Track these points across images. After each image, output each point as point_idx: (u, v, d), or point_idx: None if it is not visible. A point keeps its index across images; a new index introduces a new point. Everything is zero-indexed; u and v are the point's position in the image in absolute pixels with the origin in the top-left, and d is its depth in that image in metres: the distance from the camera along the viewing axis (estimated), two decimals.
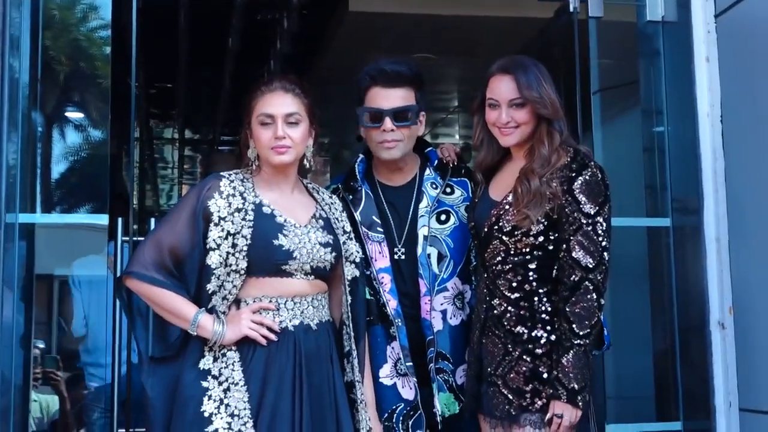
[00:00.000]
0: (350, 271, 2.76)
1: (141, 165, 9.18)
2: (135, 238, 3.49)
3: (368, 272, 2.90)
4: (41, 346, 3.46)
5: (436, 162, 3.07)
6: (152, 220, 3.74)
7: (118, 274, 3.01)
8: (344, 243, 2.76)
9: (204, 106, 8.48)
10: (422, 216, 2.97)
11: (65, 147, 3.79)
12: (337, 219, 2.79)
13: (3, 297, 3.12)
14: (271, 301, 2.63)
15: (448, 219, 3.00)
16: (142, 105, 7.87)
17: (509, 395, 2.72)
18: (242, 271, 2.61)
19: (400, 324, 2.90)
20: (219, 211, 2.61)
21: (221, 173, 2.72)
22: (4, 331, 3.13)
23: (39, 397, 3.40)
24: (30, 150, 3.43)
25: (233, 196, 2.64)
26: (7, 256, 3.15)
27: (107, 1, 3.52)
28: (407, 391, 2.91)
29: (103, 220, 3.38)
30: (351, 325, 2.74)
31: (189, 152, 10.29)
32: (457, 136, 8.48)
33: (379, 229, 2.96)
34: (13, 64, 3.27)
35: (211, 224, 2.60)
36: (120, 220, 3.51)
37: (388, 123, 2.94)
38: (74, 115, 3.84)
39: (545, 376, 2.68)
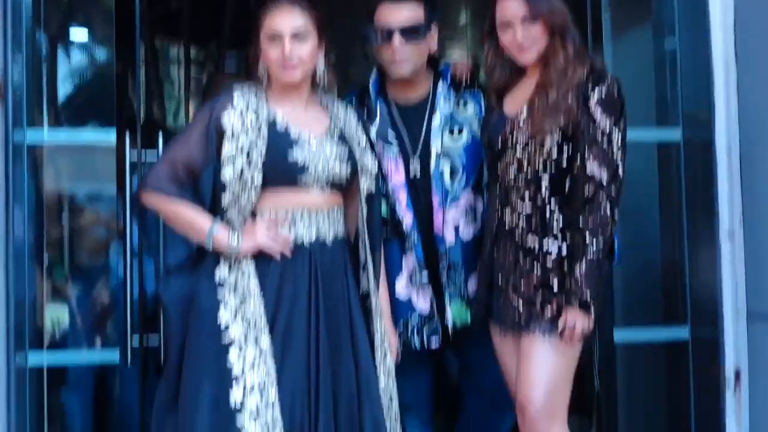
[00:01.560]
0: (366, 185, 2.77)
1: (147, 83, 9.15)
2: (144, 153, 3.50)
3: (383, 189, 2.92)
4: (51, 262, 3.49)
5: (449, 78, 3.07)
6: (160, 134, 3.74)
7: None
8: (360, 156, 2.75)
9: (210, 24, 8.41)
10: (435, 131, 2.98)
11: (71, 66, 3.79)
12: (353, 132, 2.79)
13: (14, 215, 3.13)
14: (287, 213, 2.64)
15: (461, 134, 3.01)
16: (146, 22, 7.79)
17: (520, 303, 2.75)
18: (258, 186, 2.62)
19: (415, 238, 2.93)
20: (233, 126, 2.61)
21: (234, 87, 2.71)
22: (17, 248, 3.15)
23: (50, 312, 3.45)
24: (35, 69, 3.41)
25: (246, 110, 2.64)
26: (15, 173, 3.15)
27: None
28: (422, 302, 2.97)
29: (110, 135, 3.38)
30: (367, 236, 2.76)
31: (195, 71, 10.23)
32: (467, 55, 8.40)
33: (394, 145, 2.97)
34: None
35: (225, 138, 2.61)
36: (128, 134, 3.52)
37: (396, 40, 2.93)
38: (79, 33, 3.81)
39: (555, 285, 2.72)
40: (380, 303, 2.80)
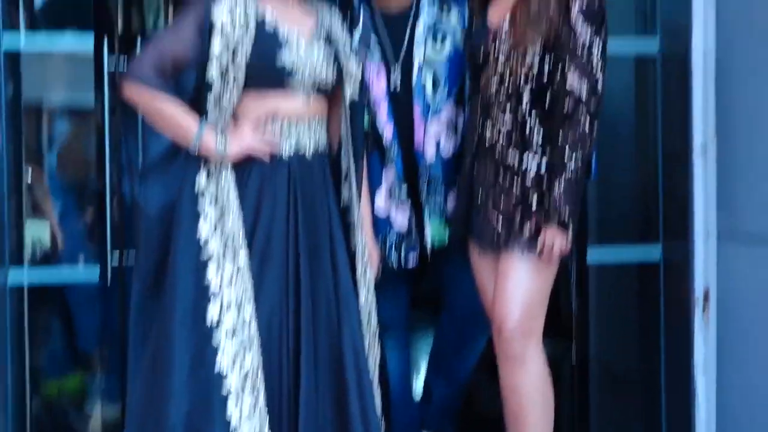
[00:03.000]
0: (351, 90, 2.73)
1: None
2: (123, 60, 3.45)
3: (364, 97, 2.88)
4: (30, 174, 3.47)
5: None
6: (138, 40, 3.68)
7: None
8: (346, 60, 2.71)
9: None
10: (418, 40, 2.96)
11: None
12: (338, 34, 2.74)
13: None
14: (267, 120, 2.61)
15: (444, 43, 2.98)
16: None
17: (499, 221, 2.77)
18: (240, 84, 2.57)
19: (395, 151, 2.93)
20: (222, 20, 2.54)
21: None
22: None
23: (30, 228, 3.42)
24: None
25: (235, 5, 2.57)
26: None
27: None
28: (401, 218, 2.98)
29: (88, 41, 3.32)
30: (350, 144, 2.74)
31: None
32: None
33: (377, 54, 2.96)
34: None
35: (214, 33, 2.54)
36: (105, 38, 3.45)
37: None
38: None
39: (534, 203, 2.73)
40: (362, 211, 2.80)
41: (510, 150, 2.76)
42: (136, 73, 2.56)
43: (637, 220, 3.86)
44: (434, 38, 2.98)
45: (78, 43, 3.39)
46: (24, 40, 3.37)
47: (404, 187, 2.95)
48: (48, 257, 3.56)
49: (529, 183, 2.74)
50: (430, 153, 2.97)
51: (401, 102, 2.98)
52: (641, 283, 3.83)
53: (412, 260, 3.00)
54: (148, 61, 2.56)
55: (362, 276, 2.73)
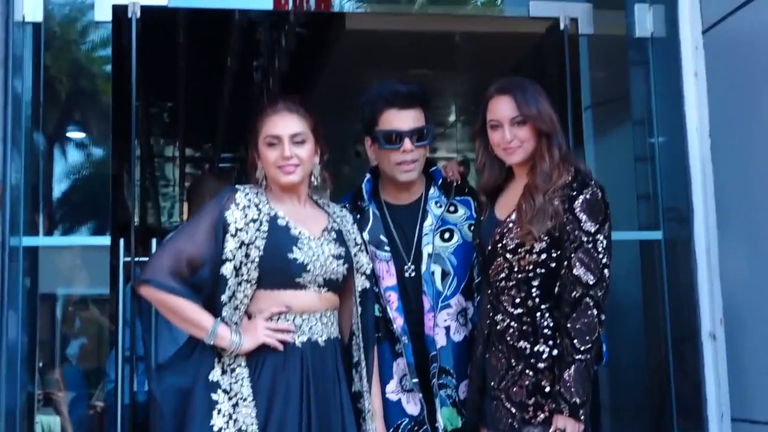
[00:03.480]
0: (361, 283, 2.81)
1: (142, 183, 9.22)
2: (137, 259, 3.53)
3: (376, 290, 2.93)
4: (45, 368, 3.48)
5: (440, 181, 3.11)
6: (154, 241, 3.77)
7: (130, 285, 3.01)
8: (355, 255, 2.81)
9: (203, 124, 8.53)
10: (426, 234, 3.01)
11: (67, 166, 3.80)
12: (348, 231, 2.84)
13: (8, 318, 3.13)
14: (281, 314, 2.66)
15: (451, 237, 3.05)
16: (142, 123, 7.92)
17: (512, 408, 2.76)
18: (253, 281, 2.65)
19: (406, 341, 2.94)
20: (236, 222, 2.65)
21: (236, 186, 2.77)
22: (10, 352, 3.14)
23: (41, 419, 3.40)
24: (33, 170, 3.46)
25: (248, 207, 2.69)
26: (11, 278, 3.17)
27: (107, 20, 3.56)
28: (412, 406, 2.95)
29: (105, 240, 3.42)
30: (361, 336, 2.78)
31: (190, 170, 10.33)
32: (457, 151, 8.53)
33: (387, 248, 3.00)
34: (16, 84, 3.30)
35: (228, 235, 2.64)
36: (122, 240, 3.55)
37: (407, 144, 2.99)
38: (76, 134, 3.86)
39: (547, 389, 2.72)
40: (373, 404, 2.81)
41: (521, 338, 2.78)
42: (153, 276, 2.65)
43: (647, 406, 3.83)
44: (441, 232, 3.04)
45: (95, 243, 3.49)
46: (42, 241, 3.46)
47: (415, 377, 2.94)
48: None
49: (541, 371, 2.74)
50: (440, 341, 2.97)
51: (411, 292, 3.00)
52: None
53: None
54: (164, 262, 2.65)
55: None
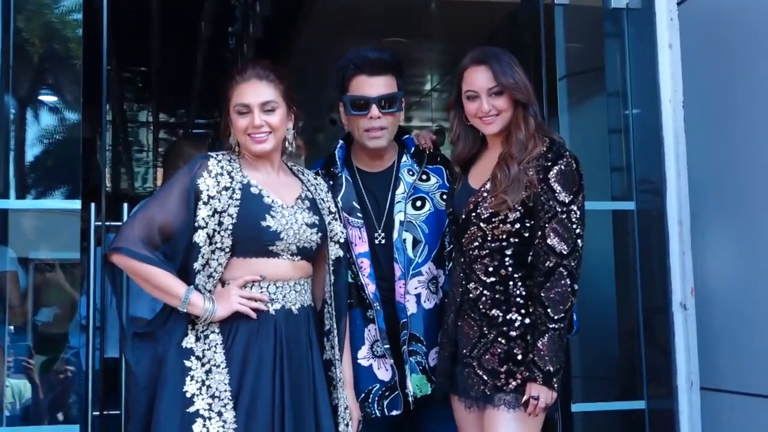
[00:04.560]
0: (334, 252, 2.81)
1: (115, 148, 9.16)
2: (108, 223, 3.51)
3: (348, 256, 2.93)
4: (14, 331, 3.46)
5: (412, 149, 3.11)
6: (125, 206, 3.76)
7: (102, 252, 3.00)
8: (329, 223, 2.80)
9: (178, 89, 8.48)
10: (398, 202, 3.01)
11: (38, 131, 3.76)
12: (322, 200, 2.83)
13: None
14: (253, 283, 2.66)
15: (423, 205, 3.05)
16: (115, 88, 7.85)
17: (484, 375, 2.77)
18: (227, 249, 2.64)
19: (378, 307, 2.94)
20: (208, 190, 2.64)
21: (209, 153, 2.75)
22: None
23: (11, 383, 3.39)
24: (2, 134, 3.43)
25: (221, 174, 2.67)
26: None
27: None
28: (383, 372, 2.96)
29: (75, 204, 3.39)
30: (333, 304, 2.78)
31: (164, 135, 10.29)
32: (432, 120, 8.53)
33: (359, 214, 3.00)
34: None
35: (200, 202, 2.63)
36: (93, 205, 3.53)
37: (374, 110, 2.98)
38: (47, 98, 3.82)
39: (519, 357, 2.74)
40: (344, 372, 2.82)
41: (493, 306, 2.79)
42: (124, 244, 2.63)
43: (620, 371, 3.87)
44: (413, 200, 3.05)
45: (65, 205, 3.46)
46: (13, 205, 3.44)
47: (387, 343, 2.96)
48: (28, 412, 3.50)
49: (513, 339, 2.76)
50: (411, 308, 2.98)
51: (383, 260, 3.01)
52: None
53: (395, 411, 2.97)
54: (136, 231, 2.63)
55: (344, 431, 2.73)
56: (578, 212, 2.75)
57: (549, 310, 2.69)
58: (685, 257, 3.52)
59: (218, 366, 2.60)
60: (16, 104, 3.57)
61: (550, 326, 2.69)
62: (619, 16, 3.83)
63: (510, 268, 2.79)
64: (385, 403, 2.95)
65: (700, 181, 3.51)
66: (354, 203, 3.01)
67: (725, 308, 3.36)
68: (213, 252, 2.63)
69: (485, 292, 2.80)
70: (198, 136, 9.23)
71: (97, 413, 3.41)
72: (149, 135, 10.42)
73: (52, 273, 3.65)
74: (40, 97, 3.77)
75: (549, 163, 2.76)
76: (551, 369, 2.68)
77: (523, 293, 2.77)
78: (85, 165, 3.56)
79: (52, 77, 3.77)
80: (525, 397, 2.70)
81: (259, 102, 2.71)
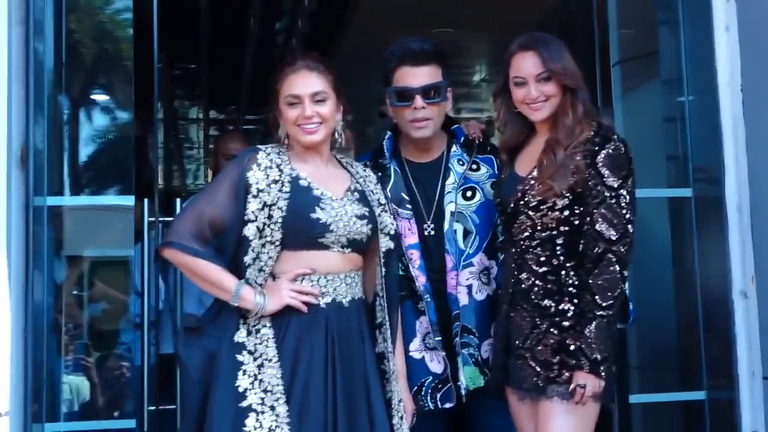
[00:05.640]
0: (385, 244, 2.79)
1: (166, 146, 9.26)
2: (161, 218, 3.54)
3: (398, 248, 2.91)
4: (71, 329, 3.50)
5: (462, 139, 3.10)
6: (177, 201, 3.79)
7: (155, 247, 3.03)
8: (379, 215, 2.79)
9: (227, 86, 8.54)
10: (449, 192, 3.00)
11: (91, 130, 3.81)
12: (372, 191, 2.82)
13: (33, 280, 3.15)
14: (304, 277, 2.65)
15: (474, 195, 3.03)
16: (166, 86, 7.93)
17: (537, 367, 2.76)
18: (277, 243, 2.64)
19: (428, 299, 2.94)
20: (257, 183, 2.64)
21: (258, 146, 2.75)
22: (36, 314, 3.15)
23: (69, 380, 3.44)
24: (57, 134, 3.47)
25: (270, 168, 2.67)
26: (36, 239, 3.18)
27: None
28: (435, 364, 2.95)
29: (129, 201, 3.42)
30: (385, 296, 2.77)
31: (214, 132, 10.38)
32: (482, 111, 8.49)
33: (408, 205, 3.00)
34: (38, 48, 3.29)
35: (250, 196, 2.63)
36: (146, 200, 3.57)
37: (418, 101, 2.98)
38: (99, 97, 3.86)
39: (572, 348, 2.71)
40: (396, 364, 2.80)
41: (546, 296, 2.76)
42: (176, 239, 2.65)
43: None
44: (464, 190, 3.03)
45: (118, 201, 3.50)
46: (67, 202, 3.47)
47: (438, 335, 2.94)
48: (84, 410, 3.54)
49: (566, 329, 2.73)
50: (462, 300, 2.96)
51: (433, 251, 3.00)
52: (686, 421, 3.75)
53: (448, 403, 2.96)
54: (187, 225, 2.65)
55: (398, 425, 2.72)
56: (628, 197, 2.71)
57: (597, 297, 2.66)
58: (745, 245, 3.44)
59: (270, 360, 2.60)
60: (69, 104, 3.60)
61: (598, 313, 2.66)
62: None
63: (562, 257, 2.76)
64: (438, 395, 2.94)
65: (760, 165, 3.43)
66: (403, 194, 3.00)
67: None
68: (263, 245, 2.63)
69: (537, 282, 2.77)
70: (247, 131, 9.30)
71: (153, 408, 3.44)
72: (200, 132, 10.52)
73: (106, 269, 3.69)
74: (93, 97, 3.81)
75: (596, 148, 2.73)
76: (598, 357, 2.65)
77: (576, 282, 2.74)
78: (138, 162, 3.60)
79: (104, 77, 3.81)
80: (572, 386, 2.67)
81: (309, 92, 2.70)
